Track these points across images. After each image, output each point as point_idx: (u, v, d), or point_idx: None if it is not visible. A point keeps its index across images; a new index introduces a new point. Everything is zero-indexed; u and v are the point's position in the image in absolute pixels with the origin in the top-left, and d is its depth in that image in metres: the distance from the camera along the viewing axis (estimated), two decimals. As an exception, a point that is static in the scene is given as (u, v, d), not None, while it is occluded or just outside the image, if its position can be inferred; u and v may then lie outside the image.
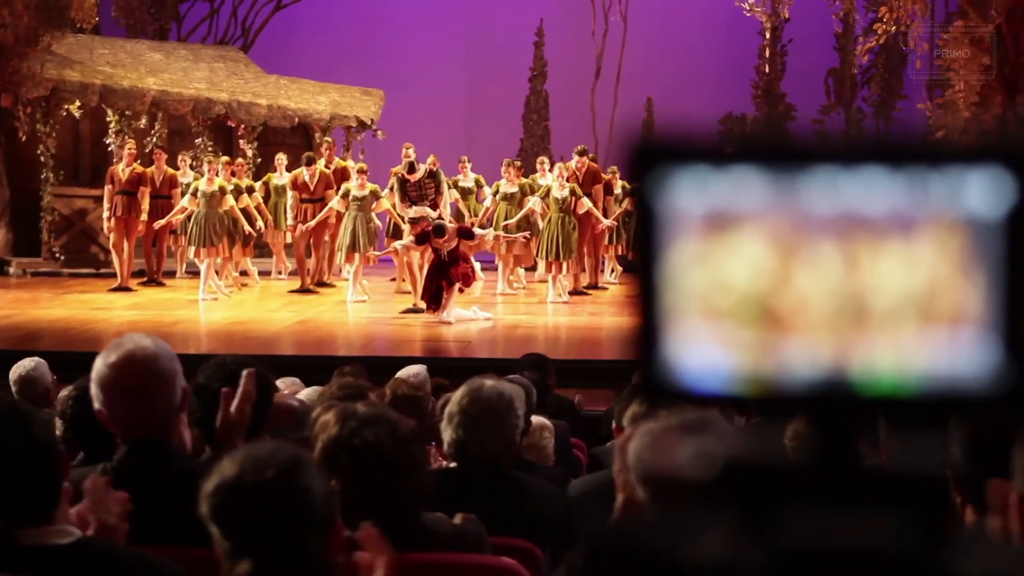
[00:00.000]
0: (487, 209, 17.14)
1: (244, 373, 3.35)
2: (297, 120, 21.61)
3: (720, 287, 1.01)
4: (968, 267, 1.00)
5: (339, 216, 15.99)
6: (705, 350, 1.02)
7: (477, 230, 14.27)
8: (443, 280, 13.22)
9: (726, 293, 1.01)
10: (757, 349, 1.01)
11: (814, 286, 1.00)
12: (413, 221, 14.73)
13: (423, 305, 13.77)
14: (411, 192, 14.81)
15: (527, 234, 15.91)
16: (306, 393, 5.11)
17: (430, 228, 13.42)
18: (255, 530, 2.22)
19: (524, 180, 17.20)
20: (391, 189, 15.40)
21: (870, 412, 1.03)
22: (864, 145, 1.01)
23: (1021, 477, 2.39)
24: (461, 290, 13.43)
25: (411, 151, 15.64)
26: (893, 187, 1.00)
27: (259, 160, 20.86)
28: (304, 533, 2.24)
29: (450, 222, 14.00)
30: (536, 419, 5.39)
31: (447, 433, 3.75)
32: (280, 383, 5.46)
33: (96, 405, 3.13)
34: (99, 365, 3.11)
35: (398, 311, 14.40)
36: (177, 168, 17.78)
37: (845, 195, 1.00)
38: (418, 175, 14.73)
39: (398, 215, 15.32)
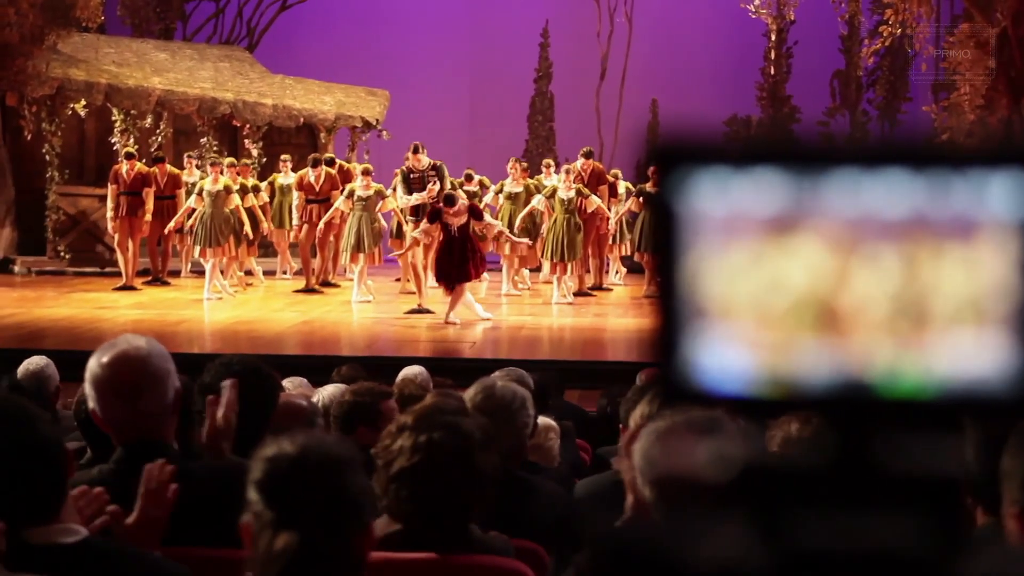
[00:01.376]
0: (486, 204, 17.17)
1: (226, 384, 3.36)
2: (302, 120, 21.61)
3: (745, 288, 1.00)
4: (991, 269, 0.99)
5: (344, 216, 15.99)
6: (728, 351, 1.01)
7: (487, 216, 14.22)
8: (452, 268, 13.09)
9: (747, 294, 1.00)
10: (782, 351, 1.00)
11: (848, 289, 1.00)
12: (415, 212, 14.65)
13: (428, 306, 13.75)
14: (414, 184, 14.76)
15: (530, 243, 15.92)
16: (328, 391, 5.09)
17: (440, 203, 13.36)
18: (307, 505, 2.20)
19: (530, 181, 17.23)
20: (394, 189, 15.40)
21: (891, 415, 1.03)
22: (887, 148, 1.01)
23: (1017, 488, 2.36)
24: (472, 277, 13.33)
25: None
26: (915, 190, 1.00)
27: (264, 160, 20.86)
28: (350, 522, 2.24)
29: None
30: (542, 420, 5.38)
31: None
32: (287, 383, 5.47)
33: (90, 404, 3.14)
34: (92, 365, 3.12)
35: (403, 311, 14.40)
36: (182, 168, 17.81)
37: (867, 198, 1.00)
38: (422, 164, 14.62)
39: (401, 211, 15.28)
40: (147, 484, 2.91)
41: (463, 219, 13.16)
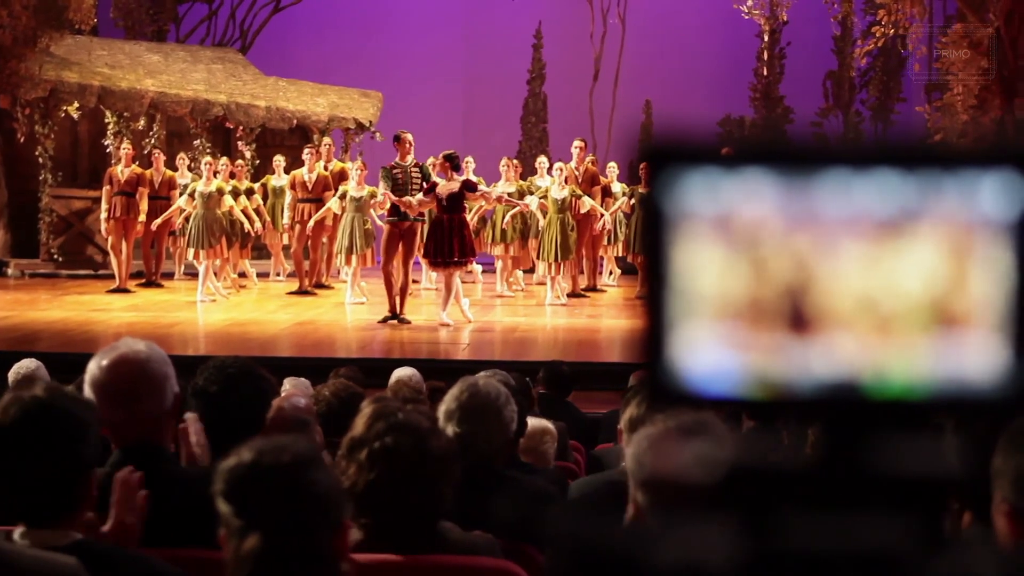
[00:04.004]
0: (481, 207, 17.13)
1: (189, 417, 3.52)
2: (295, 122, 21.59)
3: (740, 289, 1.00)
4: (979, 269, 1.00)
5: (336, 218, 15.95)
6: (717, 352, 1.02)
7: (481, 187, 14.20)
8: (441, 244, 13.04)
9: (740, 294, 1.00)
10: (769, 352, 1.00)
11: (831, 287, 1.00)
12: (393, 212, 14.52)
13: (397, 312, 13.64)
14: (398, 178, 14.26)
15: (527, 204, 15.82)
16: None
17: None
18: (267, 509, 2.25)
19: (522, 183, 17.21)
20: (384, 184, 15.28)
21: (883, 416, 1.03)
22: (877, 148, 1.01)
23: (1009, 487, 2.37)
24: (461, 265, 13.29)
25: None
26: (906, 189, 1.00)
27: (257, 162, 20.84)
28: (314, 521, 2.26)
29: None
30: (538, 422, 5.38)
31: (447, 430, 3.74)
32: (288, 382, 5.47)
33: None
34: (92, 368, 3.14)
35: (380, 318, 14.17)
36: (175, 169, 17.79)
37: (857, 197, 1.00)
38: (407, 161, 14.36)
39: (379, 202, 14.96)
40: (117, 492, 2.91)
41: (454, 188, 13.12)
